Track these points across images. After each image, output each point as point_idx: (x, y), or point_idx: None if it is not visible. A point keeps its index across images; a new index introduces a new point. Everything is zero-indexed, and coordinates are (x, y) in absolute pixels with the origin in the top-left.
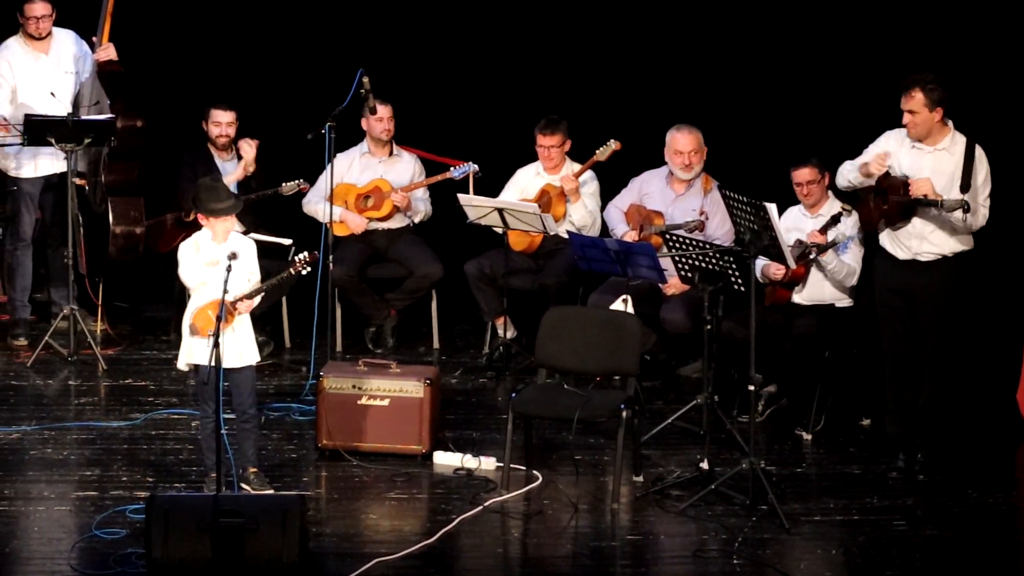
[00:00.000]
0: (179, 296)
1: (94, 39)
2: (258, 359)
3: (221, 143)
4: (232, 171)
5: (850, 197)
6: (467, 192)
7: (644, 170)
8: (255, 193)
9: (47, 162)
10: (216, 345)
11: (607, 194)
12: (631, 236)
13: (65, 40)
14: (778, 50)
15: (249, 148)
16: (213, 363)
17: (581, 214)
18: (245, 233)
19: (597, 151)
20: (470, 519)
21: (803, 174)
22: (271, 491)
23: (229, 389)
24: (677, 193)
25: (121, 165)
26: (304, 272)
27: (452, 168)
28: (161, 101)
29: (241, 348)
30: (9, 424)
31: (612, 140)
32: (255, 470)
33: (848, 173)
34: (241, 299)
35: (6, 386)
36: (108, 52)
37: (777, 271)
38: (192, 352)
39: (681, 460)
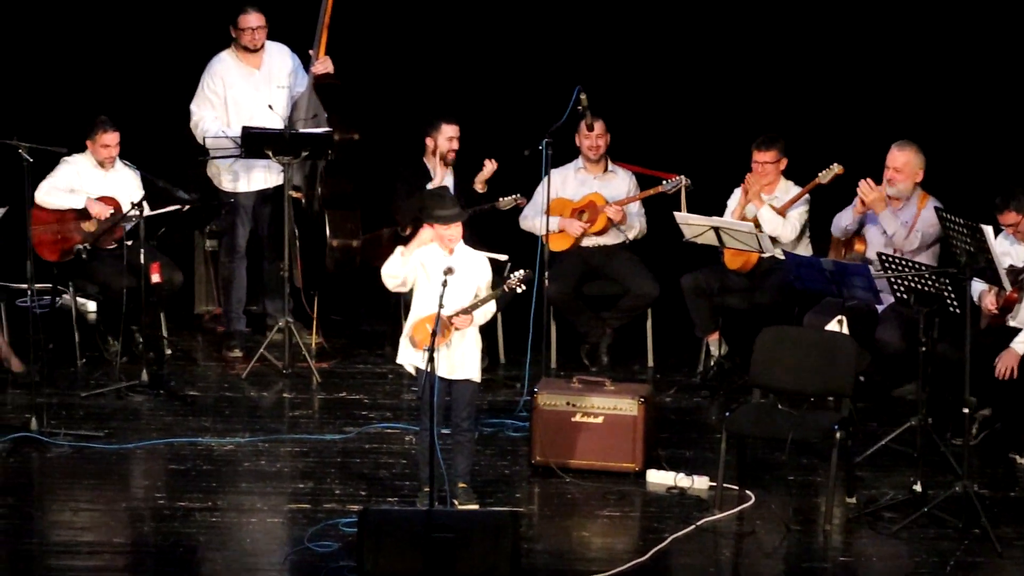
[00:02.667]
0: (394, 310)
1: (311, 52)
2: (479, 376)
3: (450, 158)
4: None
5: None
6: (680, 206)
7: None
8: (472, 208)
9: (260, 175)
10: (431, 359)
11: (823, 217)
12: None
13: (277, 54)
14: (1003, 73)
15: (490, 168)
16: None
17: (784, 232)
18: None
19: (820, 174)
20: (682, 538)
21: (1010, 217)
22: (477, 506)
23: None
24: (891, 208)
25: (337, 178)
26: (519, 291)
27: (664, 181)
28: (377, 115)
29: (461, 362)
30: (223, 435)
31: (835, 164)
32: (464, 485)
33: None
34: (457, 314)
35: (221, 398)
36: (325, 65)
37: (991, 304)
38: (411, 356)
39: (894, 482)
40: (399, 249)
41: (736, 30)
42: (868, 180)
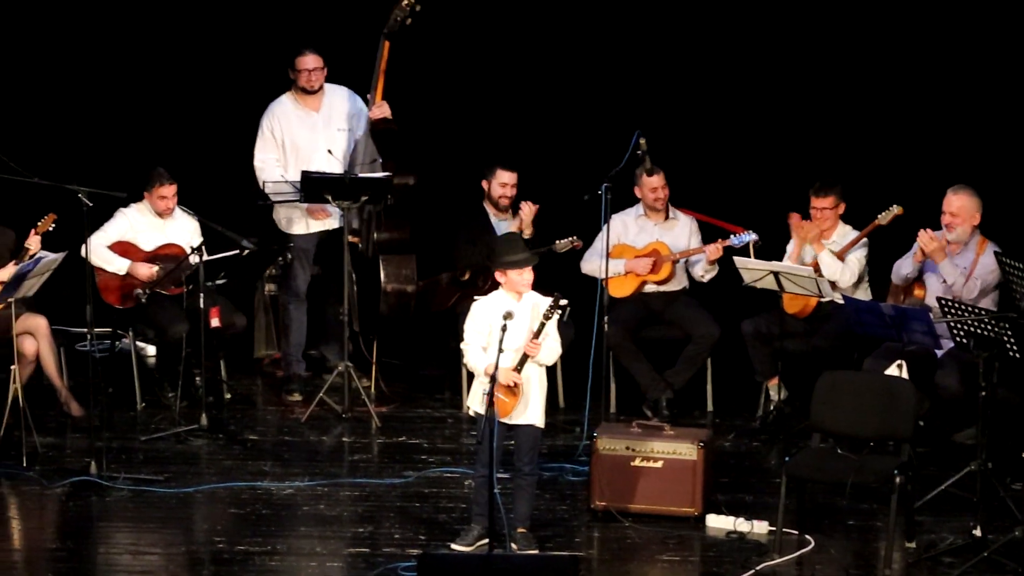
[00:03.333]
0: (453, 355)
1: (368, 96)
2: (542, 421)
3: (503, 204)
4: (506, 231)
5: None
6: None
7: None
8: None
9: (319, 222)
10: (490, 404)
11: (883, 259)
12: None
13: (338, 97)
14: None
15: (528, 210)
16: (486, 418)
17: (843, 277)
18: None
19: (879, 216)
20: None
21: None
22: (536, 551)
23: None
24: (950, 256)
25: (394, 223)
26: (561, 308)
27: (732, 236)
28: (434, 159)
29: (524, 406)
30: (282, 479)
31: (895, 205)
32: (523, 530)
33: None
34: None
35: (280, 441)
36: (382, 110)
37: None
38: (476, 400)
39: (954, 527)
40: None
41: (794, 75)
42: (927, 230)
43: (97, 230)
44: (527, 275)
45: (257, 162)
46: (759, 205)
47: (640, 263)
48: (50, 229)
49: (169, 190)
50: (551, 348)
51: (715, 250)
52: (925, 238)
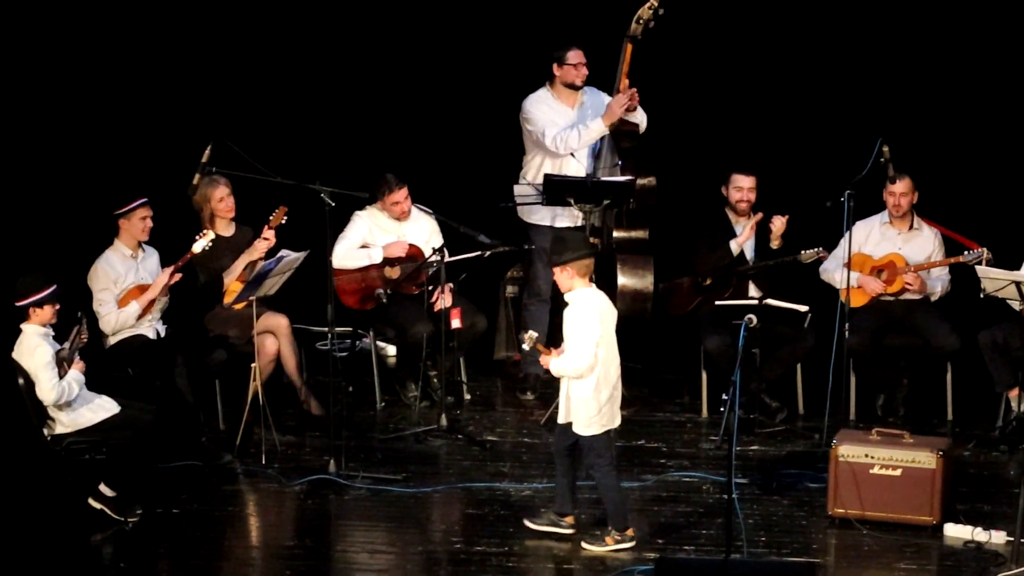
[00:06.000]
0: (693, 360)
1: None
2: (584, 430)
3: (741, 208)
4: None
5: None
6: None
7: None
8: (775, 259)
9: (563, 218)
10: (732, 409)
11: None
12: None
13: (590, 96)
14: None
15: (779, 223)
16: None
17: None
18: (760, 299)
19: None
20: None
21: None
22: (601, 549)
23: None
24: None
25: (633, 223)
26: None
27: (966, 251)
28: (675, 162)
29: (567, 409)
30: (521, 481)
31: None
32: (598, 532)
33: None
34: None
35: (519, 443)
36: (621, 104)
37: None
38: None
39: None
40: None
41: None
42: None
43: (339, 238)
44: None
45: (549, 140)
46: (1003, 215)
47: (871, 282)
48: (283, 222)
49: (400, 194)
50: (560, 368)
51: (781, 224)
52: None
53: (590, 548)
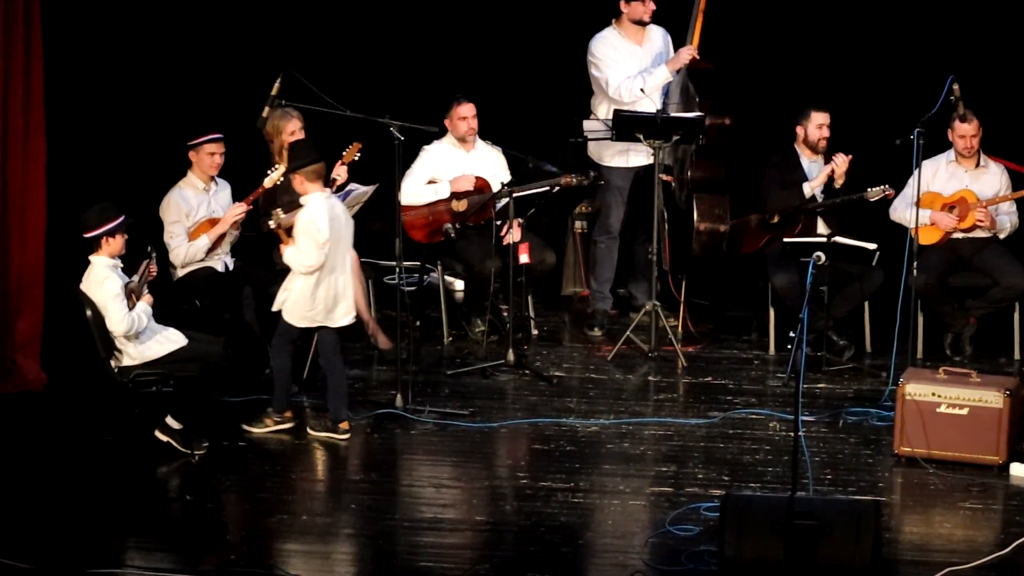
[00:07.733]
0: (761, 297)
1: (686, 41)
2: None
3: (821, 147)
4: (817, 173)
5: None
6: None
7: None
8: (840, 197)
9: (637, 156)
10: (799, 346)
11: None
12: None
13: (656, 35)
14: None
15: (841, 161)
16: None
17: None
18: (829, 236)
19: None
20: None
21: None
22: None
23: None
24: None
25: (708, 163)
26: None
27: None
28: (751, 100)
29: None
30: (587, 417)
31: None
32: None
33: None
34: None
35: (586, 379)
36: (690, 52)
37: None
38: None
39: None
40: None
41: None
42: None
43: (406, 173)
44: None
45: (611, 89)
46: None
47: (944, 218)
48: (356, 159)
49: (468, 109)
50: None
51: (843, 162)
52: None
53: (251, 430)
